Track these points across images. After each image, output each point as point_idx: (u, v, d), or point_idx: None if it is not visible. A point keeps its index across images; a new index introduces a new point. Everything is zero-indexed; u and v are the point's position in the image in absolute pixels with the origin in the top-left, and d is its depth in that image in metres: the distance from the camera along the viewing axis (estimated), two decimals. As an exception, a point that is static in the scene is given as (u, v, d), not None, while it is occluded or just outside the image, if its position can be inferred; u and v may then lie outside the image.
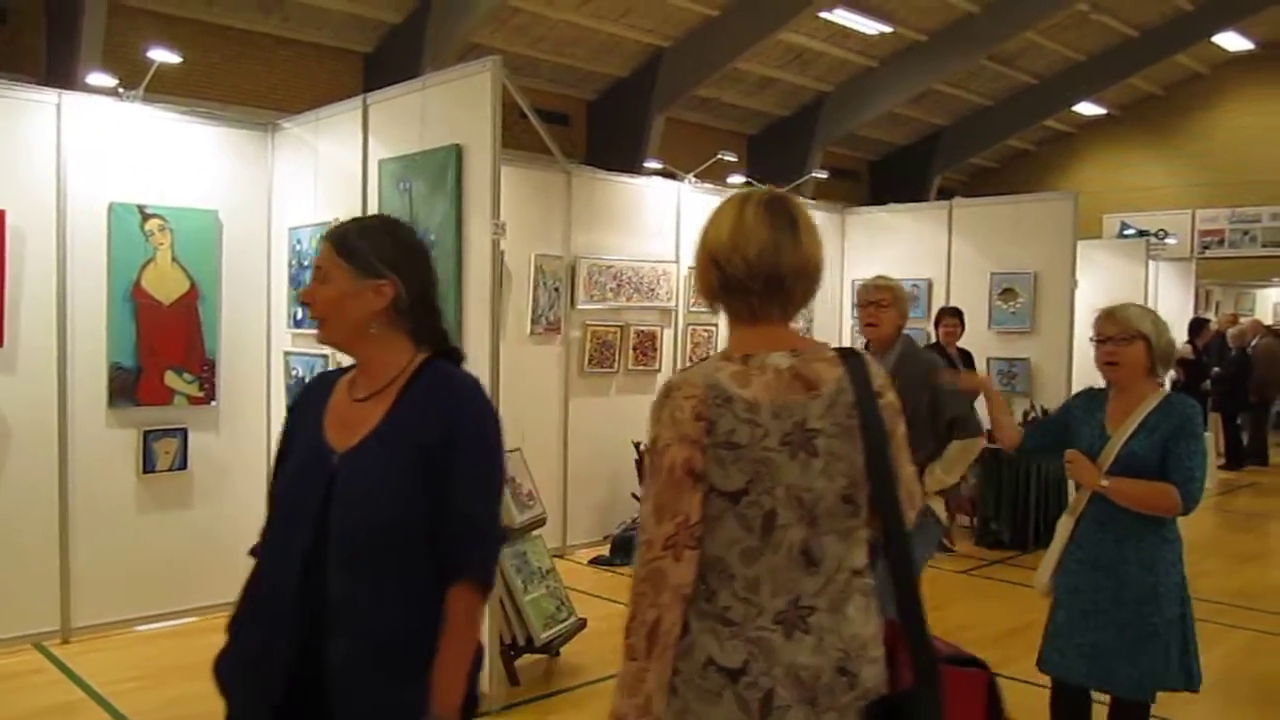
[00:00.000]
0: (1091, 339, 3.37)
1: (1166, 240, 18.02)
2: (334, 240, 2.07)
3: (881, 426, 1.83)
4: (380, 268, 2.02)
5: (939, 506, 4.20)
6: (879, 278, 4.38)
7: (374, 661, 1.90)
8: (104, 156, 5.37)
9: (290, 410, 2.21)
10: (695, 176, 8.67)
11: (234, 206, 5.77)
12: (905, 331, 4.29)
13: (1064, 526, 3.43)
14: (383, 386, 2.04)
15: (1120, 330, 3.26)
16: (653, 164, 13.48)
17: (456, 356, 2.15)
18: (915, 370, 4.12)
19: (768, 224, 1.83)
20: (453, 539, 1.95)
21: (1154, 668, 3.21)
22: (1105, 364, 3.31)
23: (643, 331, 7.92)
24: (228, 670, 2.03)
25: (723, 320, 7.11)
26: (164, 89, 7.00)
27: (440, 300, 2.14)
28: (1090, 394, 3.50)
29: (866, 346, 4.31)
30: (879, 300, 4.24)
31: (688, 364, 8.23)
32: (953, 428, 4.11)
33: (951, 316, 7.75)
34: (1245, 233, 19.80)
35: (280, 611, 1.94)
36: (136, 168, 5.45)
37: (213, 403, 5.69)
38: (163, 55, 6.10)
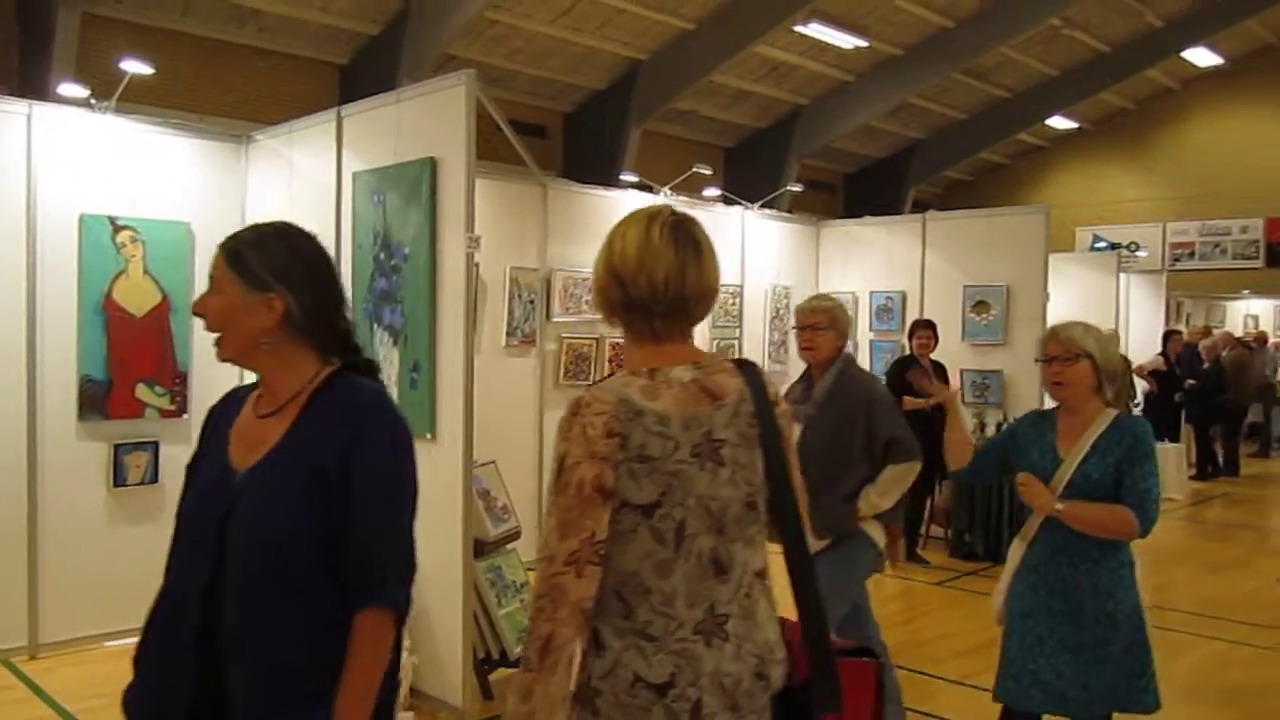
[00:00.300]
0: (1037, 359, 3.34)
1: (1138, 253, 18.20)
2: (226, 250, 1.97)
3: (779, 434, 1.90)
4: (270, 281, 1.92)
5: (876, 532, 4.03)
6: (815, 299, 4.24)
7: (272, 690, 1.84)
8: (75, 167, 5.34)
9: (204, 425, 2.11)
10: (671, 189, 8.69)
11: (207, 218, 5.74)
12: (845, 351, 4.15)
13: (1016, 551, 3.36)
14: (285, 403, 1.96)
15: (1064, 350, 3.22)
16: (629, 176, 13.50)
17: (367, 368, 2.06)
18: (853, 391, 3.99)
19: (674, 247, 1.85)
20: (357, 562, 1.87)
21: (1111, 693, 3.19)
22: (1052, 384, 3.26)
23: (618, 344, 7.91)
24: (135, 702, 1.97)
25: (700, 330, 7.12)
26: (137, 100, 6.97)
27: (344, 311, 2.04)
28: (1038, 415, 3.43)
29: (809, 369, 4.19)
30: (815, 324, 4.07)
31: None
32: (889, 450, 3.93)
33: (925, 329, 7.80)
34: (1216, 245, 20.03)
35: (181, 636, 1.88)
36: (108, 179, 5.42)
37: (185, 415, 5.66)
38: (135, 66, 6.05)
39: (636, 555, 1.78)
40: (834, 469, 3.86)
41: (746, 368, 1.92)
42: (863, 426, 3.92)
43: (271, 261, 1.94)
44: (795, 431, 3.58)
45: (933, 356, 7.81)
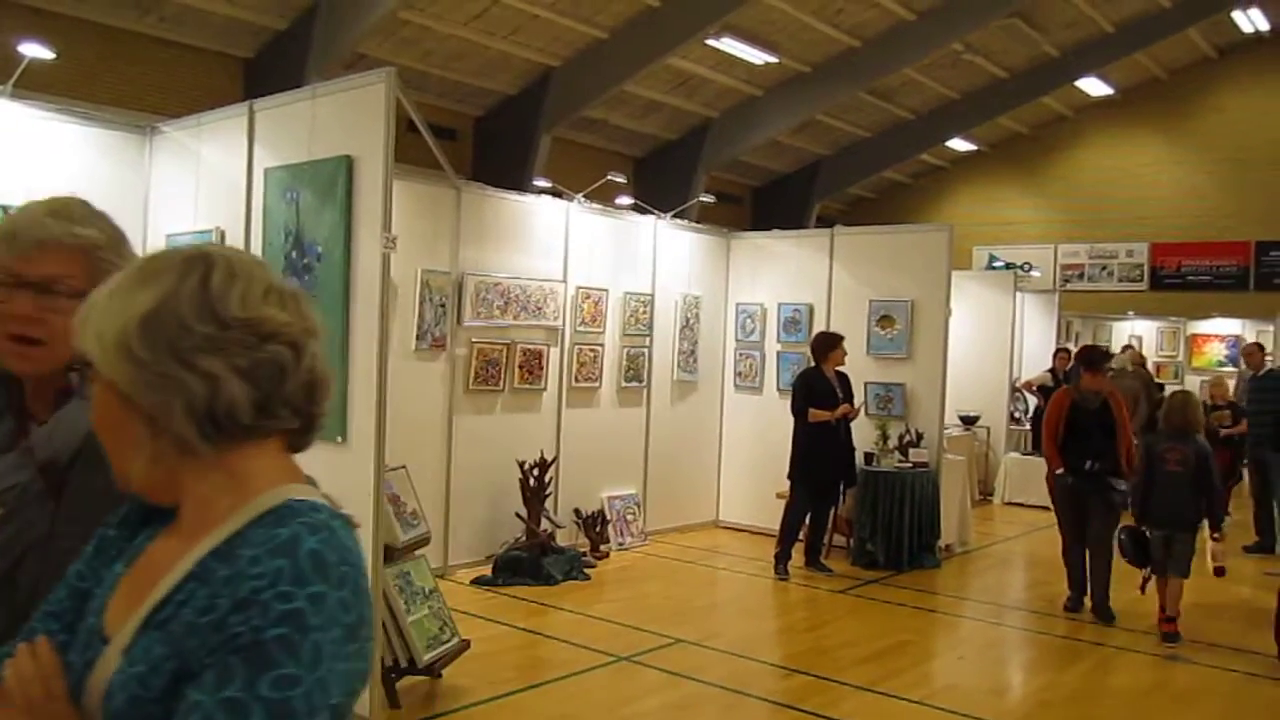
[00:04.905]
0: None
1: (1032, 273, 18.84)
2: None
3: None
4: None
5: None
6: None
7: None
8: (-33, 154, 5.12)
9: None
10: (585, 197, 8.70)
11: (108, 210, 5.48)
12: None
13: None
14: None
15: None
16: (541, 182, 13.47)
17: None
18: None
19: None
20: None
21: None
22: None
23: (529, 350, 7.89)
24: None
25: (610, 339, 7.07)
26: (36, 86, 6.70)
27: None
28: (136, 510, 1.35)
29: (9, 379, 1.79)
30: (50, 278, 1.69)
31: (575, 383, 8.24)
32: None
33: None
34: (1103, 268, 20.83)
35: None
36: (2, 167, 5.20)
37: (79, 414, 5.45)
38: (35, 50, 5.84)
39: None
40: None
41: None
42: None
43: None
44: None
45: (838, 368, 7.96)
